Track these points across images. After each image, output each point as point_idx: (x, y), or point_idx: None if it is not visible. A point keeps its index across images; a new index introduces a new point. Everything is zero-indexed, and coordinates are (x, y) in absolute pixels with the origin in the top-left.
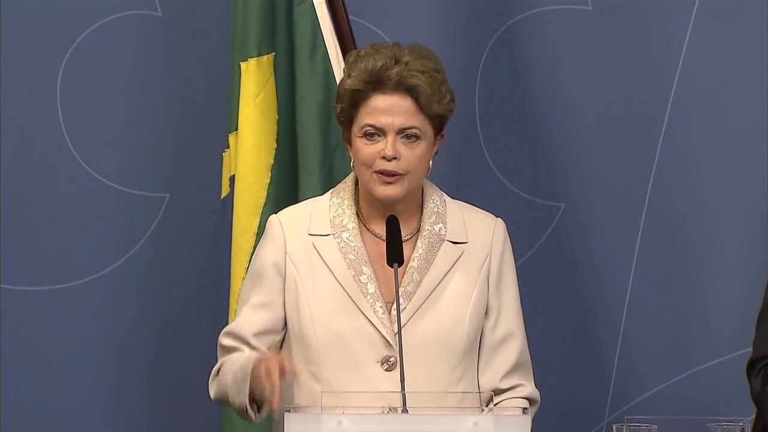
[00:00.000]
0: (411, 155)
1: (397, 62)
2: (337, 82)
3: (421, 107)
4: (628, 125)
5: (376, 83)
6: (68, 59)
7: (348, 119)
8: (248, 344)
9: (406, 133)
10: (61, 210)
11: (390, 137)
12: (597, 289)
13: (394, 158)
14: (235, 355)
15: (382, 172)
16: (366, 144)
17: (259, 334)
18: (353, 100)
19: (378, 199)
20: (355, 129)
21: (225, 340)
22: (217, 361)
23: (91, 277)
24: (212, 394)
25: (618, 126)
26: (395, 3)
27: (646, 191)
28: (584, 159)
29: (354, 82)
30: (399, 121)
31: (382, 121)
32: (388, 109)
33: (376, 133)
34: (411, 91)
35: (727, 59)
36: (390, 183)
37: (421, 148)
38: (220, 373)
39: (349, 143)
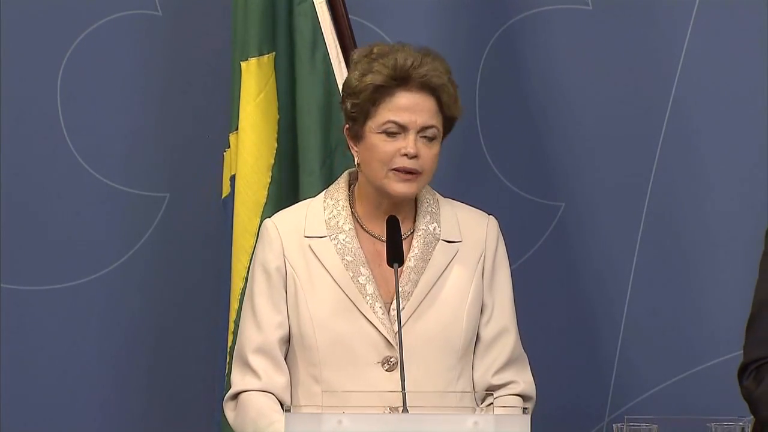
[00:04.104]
0: (429, 154)
1: (422, 60)
2: (338, 82)
3: (442, 108)
4: (628, 125)
5: (402, 80)
6: (68, 59)
7: (363, 114)
8: (252, 369)
9: (426, 133)
10: (61, 210)
11: (411, 135)
12: (597, 289)
13: (415, 156)
14: (248, 402)
15: (400, 170)
16: (385, 141)
17: (260, 352)
18: (373, 96)
19: (391, 195)
20: (372, 125)
21: (236, 364)
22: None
23: (91, 277)
24: (230, 422)
25: (618, 126)
26: (395, 3)
27: (646, 191)
28: (584, 159)
29: (377, 77)
30: (422, 119)
31: (405, 118)
32: (411, 107)
33: (397, 131)
34: (435, 92)
35: (727, 59)
36: (408, 180)
37: (436, 148)
38: (237, 412)
39: (356, 139)
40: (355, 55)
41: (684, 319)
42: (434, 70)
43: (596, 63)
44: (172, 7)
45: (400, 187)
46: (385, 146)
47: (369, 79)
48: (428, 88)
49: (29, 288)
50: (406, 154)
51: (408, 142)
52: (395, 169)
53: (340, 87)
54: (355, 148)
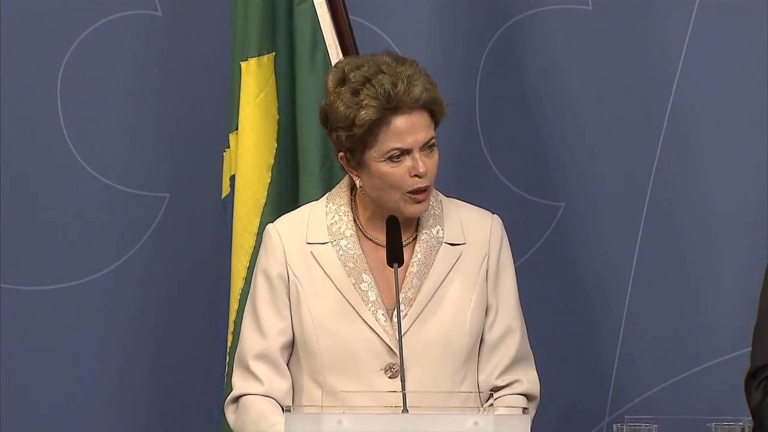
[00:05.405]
0: (432, 164)
1: (408, 80)
2: None
3: (435, 118)
4: (628, 125)
5: (395, 108)
6: (68, 59)
7: (361, 145)
8: (254, 374)
9: (427, 145)
10: (61, 210)
11: (416, 154)
12: (597, 289)
13: (425, 173)
14: (250, 404)
15: (414, 191)
16: (393, 167)
17: (262, 358)
18: (370, 127)
19: (407, 216)
20: (375, 153)
21: (237, 368)
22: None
23: (91, 277)
24: (231, 425)
25: (618, 126)
26: (396, 3)
27: (646, 191)
28: (584, 159)
29: (370, 112)
30: (422, 136)
31: (408, 141)
32: (410, 128)
33: (401, 154)
34: (427, 106)
35: (727, 59)
36: (422, 201)
37: (436, 154)
38: (238, 414)
39: (357, 167)
40: (330, 82)
41: (684, 319)
42: (422, 86)
43: (596, 63)
44: (172, 7)
45: (415, 209)
46: (395, 172)
47: (363, 115)
48: (420, 104)
49: (29, 288)
50: (417, 175)
51: (416, 162)
52: (411, 193)
53: None
54: (354, 173)
